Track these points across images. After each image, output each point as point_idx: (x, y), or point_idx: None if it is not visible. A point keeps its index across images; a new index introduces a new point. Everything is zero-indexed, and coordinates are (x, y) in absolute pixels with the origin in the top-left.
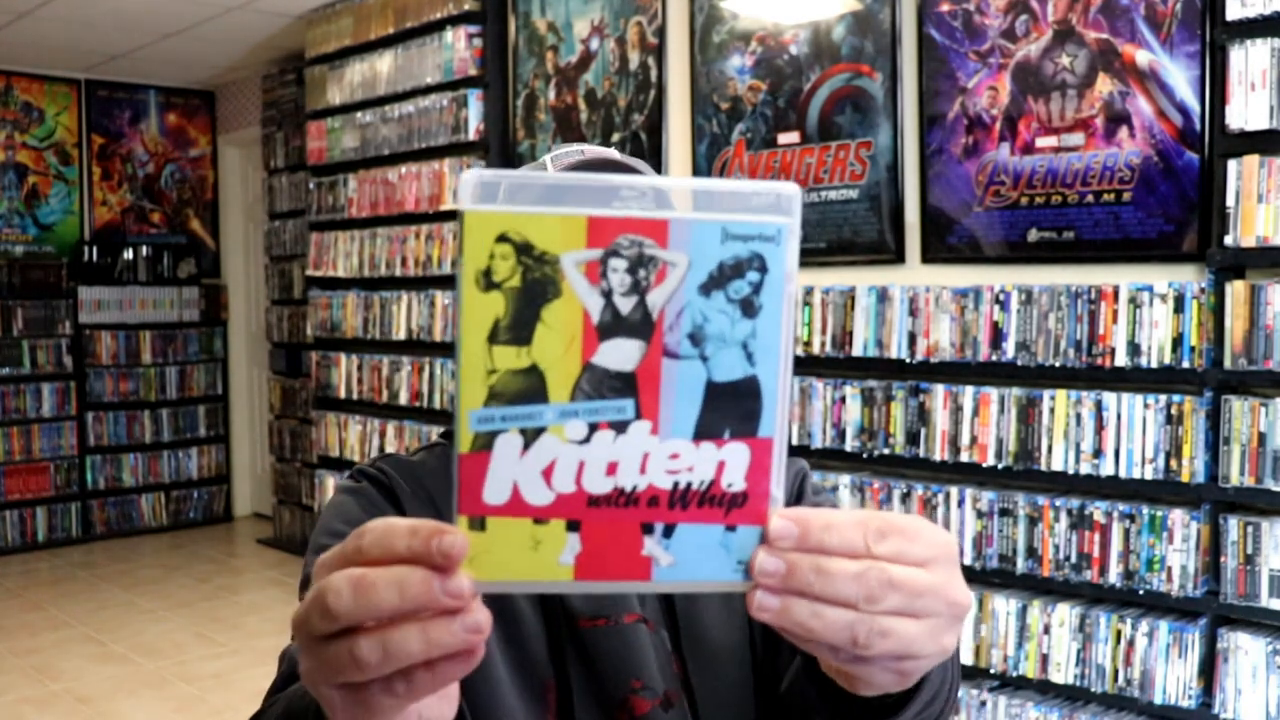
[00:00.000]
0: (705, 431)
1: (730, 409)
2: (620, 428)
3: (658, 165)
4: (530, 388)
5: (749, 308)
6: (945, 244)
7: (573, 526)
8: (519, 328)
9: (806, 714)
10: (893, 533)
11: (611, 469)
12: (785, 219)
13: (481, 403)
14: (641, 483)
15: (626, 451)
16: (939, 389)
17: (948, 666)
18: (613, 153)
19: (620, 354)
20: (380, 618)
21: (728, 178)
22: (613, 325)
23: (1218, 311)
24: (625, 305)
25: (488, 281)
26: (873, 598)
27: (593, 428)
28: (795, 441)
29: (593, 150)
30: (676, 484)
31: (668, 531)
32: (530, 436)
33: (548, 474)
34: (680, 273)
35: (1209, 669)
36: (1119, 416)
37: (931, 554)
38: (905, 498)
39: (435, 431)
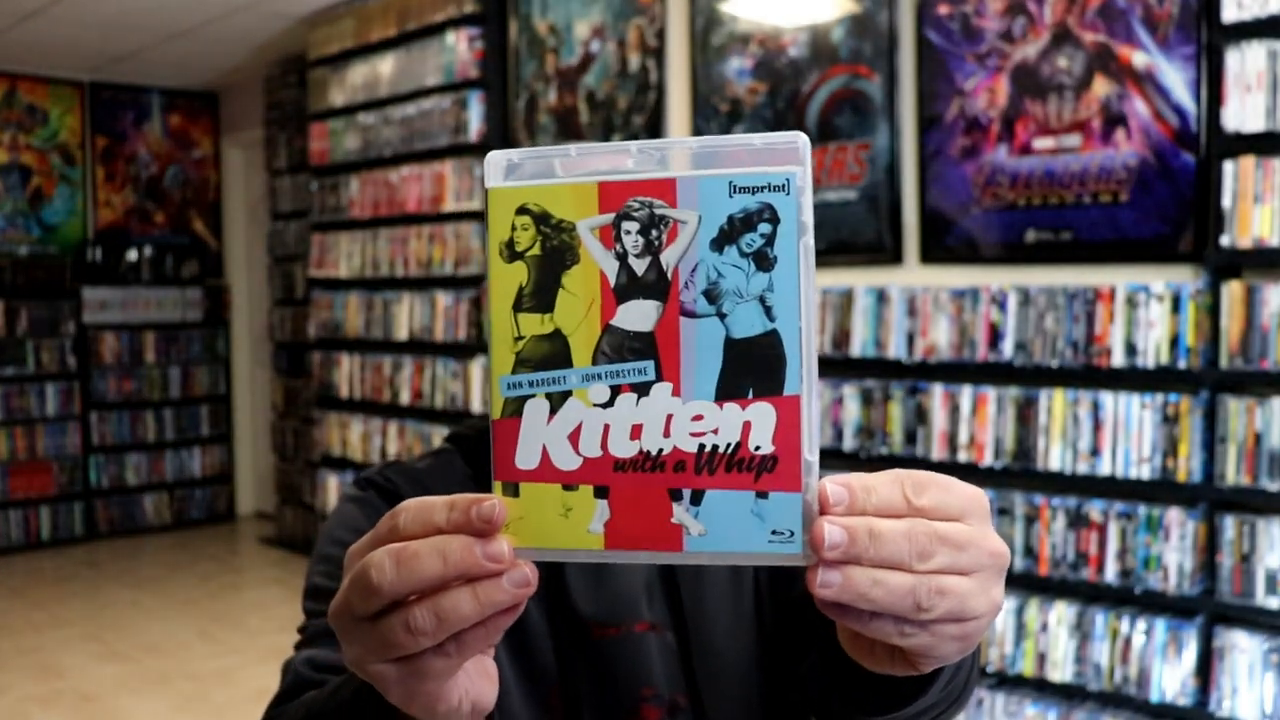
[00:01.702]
0: (728, 391)
1: (752, 367)
2: (642, 390)
3: None
4: (554, 352)
5: (763, 261)
6: (943, 245)
7: (601, 492)
8: (541, 294)
9: (825, 707)
10: (930, 486)
11: (636, 432)
12: (794, 168)
13: (510, 369)
14: (666, 446)
15: (650, 414)
16: (937, 389)
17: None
18: None
19: (638, 314)
20: (424, 587)
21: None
22: (629, 286)
23: (1214, 312)
24: (640, 266)
25: (511, 252)
26: (925, 554)
27: (615, 390)
28: None
29: None
30: (702, 447)
31: (696, 498)
32: (556, 401)
33: (574, 438)
34: (691, 230)
35: (1205, 667)
36: (1116, 416)
37: (965, 506)
38: None
39: (436, 432)
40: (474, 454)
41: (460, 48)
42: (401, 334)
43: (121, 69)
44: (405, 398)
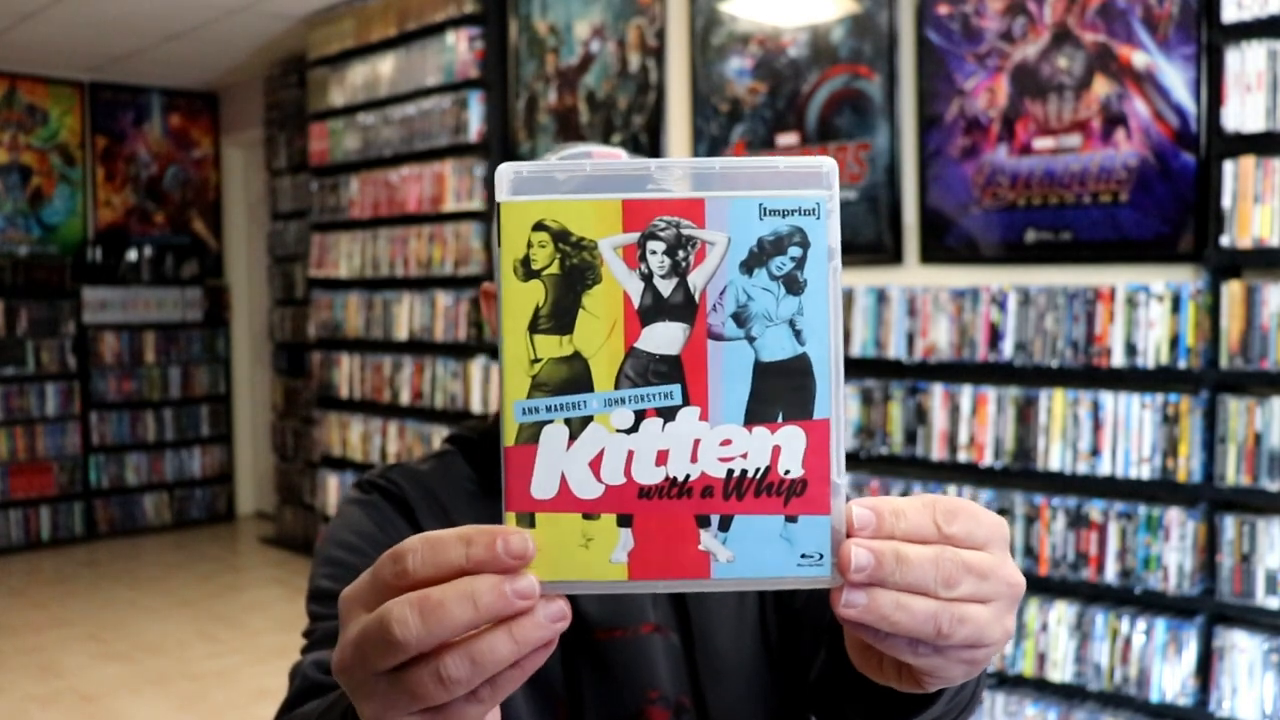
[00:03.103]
0: (757, 415)
1: (782, 390)
2: (668, 414)
3: None
4: (574, 376)
5: (793, 284)
6: (943, 245)
7: (624, 521)
8: (560, 315)
9: (835, 713)
10: (960, 514)
11: (661, 458)
12: (824, 192)
13: (526, 393)
14: (694, 472)
15: (676, 439)
16: (937, 389)
17: None
18: (622, 154)
19: (664, 338)
20: (455, 637)
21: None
22: (654, 309)
23: (1214, 312)
24: (666, 287)
25: (527, 270)
26: (951, 581)
27: (640, 415)
28: None
29: (602, 153)
30: (730, 472)
31: (724, 524)
32: (576, 426)
33: (596, 465)
34: (720, 251)
35: (1205, 667)
36: (1116, 416)
37: (990, 535)
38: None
39: (436, 432)
40: (475, 456)
41: (460, 48)
42: (401, 334)
43: (121, 69)
44: (405, 398)
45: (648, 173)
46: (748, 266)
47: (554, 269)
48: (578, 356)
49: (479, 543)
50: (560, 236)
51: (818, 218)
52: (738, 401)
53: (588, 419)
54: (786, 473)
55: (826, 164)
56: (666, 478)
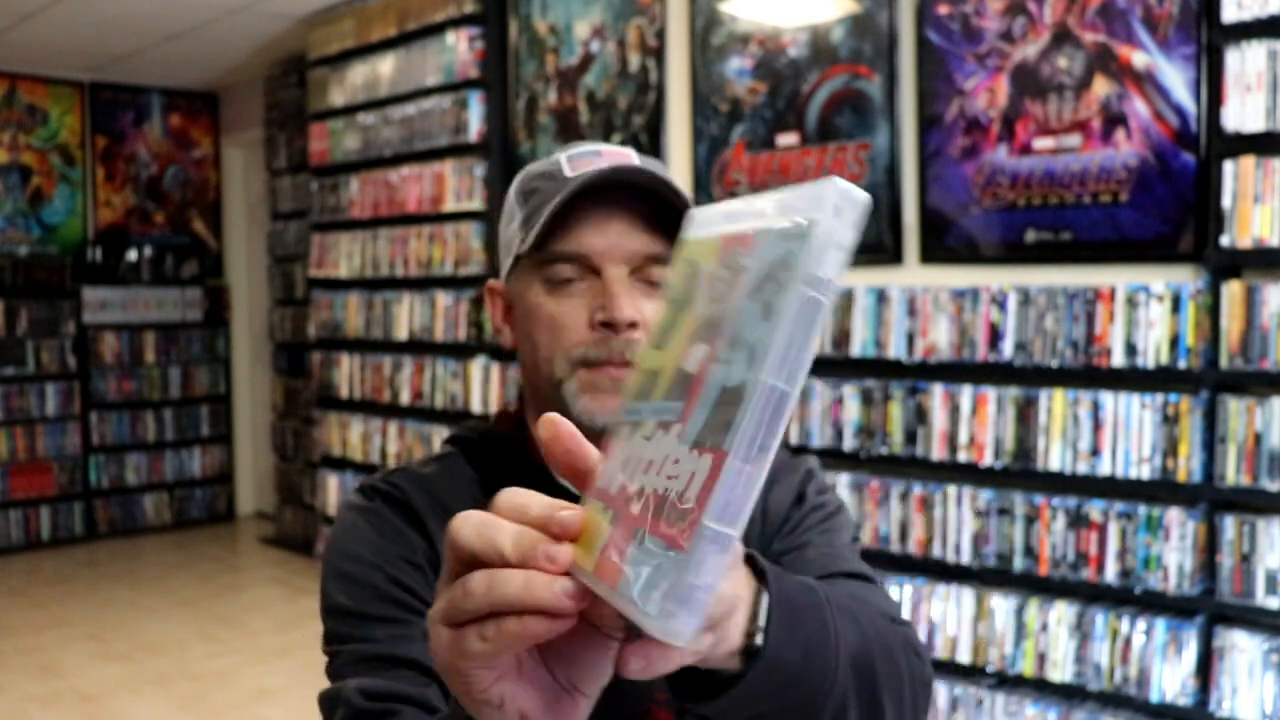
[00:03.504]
0: (701, 439)
1: (722, 416)
2: (667, 428)
3: None
4: (649, 386)
5: (768, 310)
6: (943, 245)
7: (614, 520)
8: (665, 334)
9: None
10: None
11: (648, 468)
12: (816, 215)
13: (631, 395)
14: (657, 485)
15: (661, 451)
16: (937, 389)
17: (836, 658)
18: (631, 154)
19: (695, 358)
20: (493, 559)
21: (792, 187)
22: (701, 330)
23: (1214, 312)
24: (713, 311)
25: (669, 294)
26: None
27: (657, 426)
28: (794, 441)
29: (611, 151)
30: (667, 490)
31: (640, 539)
32: (630, 430)
33: (623, 465)
34: (745, 279)
35: (1205, 667)
36: (1116, 416)
37: None
38: (904, 497)
39: (436, 432)
40: (477, 456)
41: (460, 48)
42: (401, 334)
43: (121, 69)
44: (405, 398)
45: (759, 210)
46: (752, 292)
47: (676, 294)
48: (658, 370)
49: (542, 508)
50: (690, 265)
51: (803, 242)
52: (700, 423)
53: (638, 424)
54: (685, 502)
55: (826, 187)
56: (641, 486)
